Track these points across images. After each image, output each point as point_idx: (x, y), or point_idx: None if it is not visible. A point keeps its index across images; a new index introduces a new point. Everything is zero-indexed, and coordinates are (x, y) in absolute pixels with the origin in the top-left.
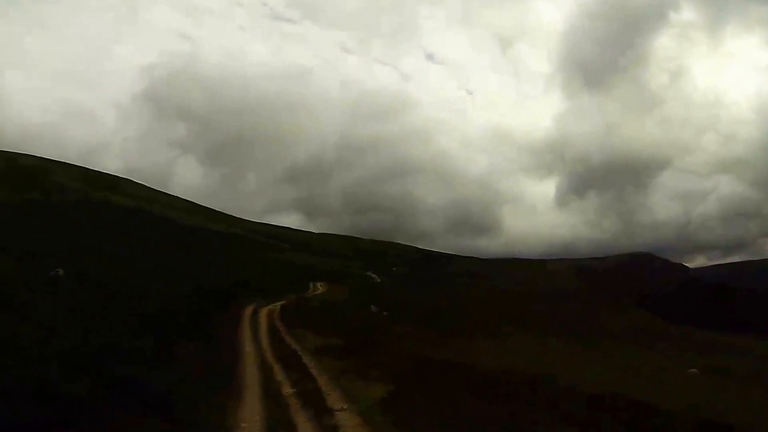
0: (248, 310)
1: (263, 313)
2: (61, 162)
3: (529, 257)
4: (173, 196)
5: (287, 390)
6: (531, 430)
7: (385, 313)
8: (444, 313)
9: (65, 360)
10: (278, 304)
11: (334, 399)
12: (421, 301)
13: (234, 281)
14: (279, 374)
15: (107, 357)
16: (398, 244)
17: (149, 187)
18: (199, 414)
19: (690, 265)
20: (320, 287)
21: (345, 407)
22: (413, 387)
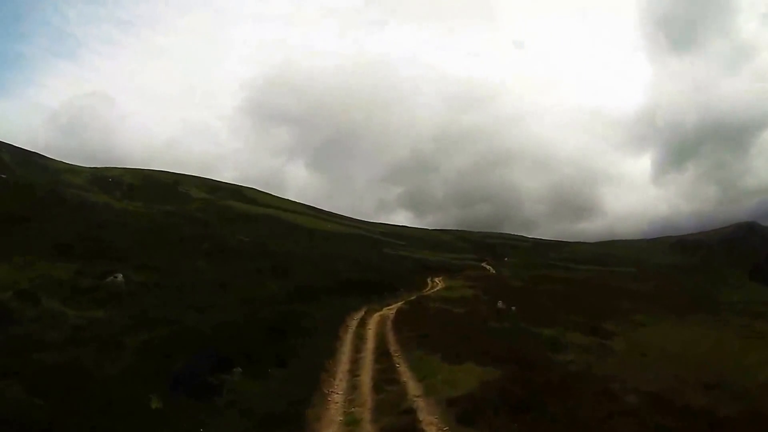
0: (356, 317)
1: (373, 321)
2: (188, 175)
3: (633, 237)
4: (288, 199)
5: None
6: None
7: (513, 308)
8: (572, 305)
9: None
10: (394, 306)
11: None
12: (542, 292)
13: (344, 281)
14: None
15: None
16: (506, 234)
17: (266, 193)
18: None
19: None
20: (439, 282)
21: None
22: None
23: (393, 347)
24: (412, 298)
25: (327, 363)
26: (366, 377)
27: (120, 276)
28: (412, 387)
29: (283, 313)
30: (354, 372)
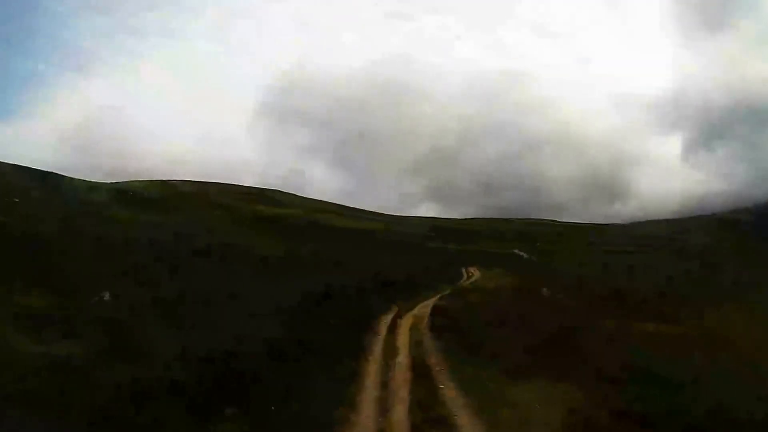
0: (385, 321)
1: (405, 325)
2: (211, 182)
3: (666, 216)
4: (312, 198)
5: None
6: None
7: (559, 295)
8: (620, 289)
9: None
10: (429, 303)
11: None
12: (585, 276)
13: (371, 278)
14: None
15: None
16: (538, 219)
17: (289, 193)
18: None
19: None
20: (474, 272)
21: None
22: None
23: (433, 359)
24: (448, 292)
25: (347, 392)
26: (400, 413)
27: (107, 295)
28: (470, 431)
29: (295, 327)
30: (383, 403)
